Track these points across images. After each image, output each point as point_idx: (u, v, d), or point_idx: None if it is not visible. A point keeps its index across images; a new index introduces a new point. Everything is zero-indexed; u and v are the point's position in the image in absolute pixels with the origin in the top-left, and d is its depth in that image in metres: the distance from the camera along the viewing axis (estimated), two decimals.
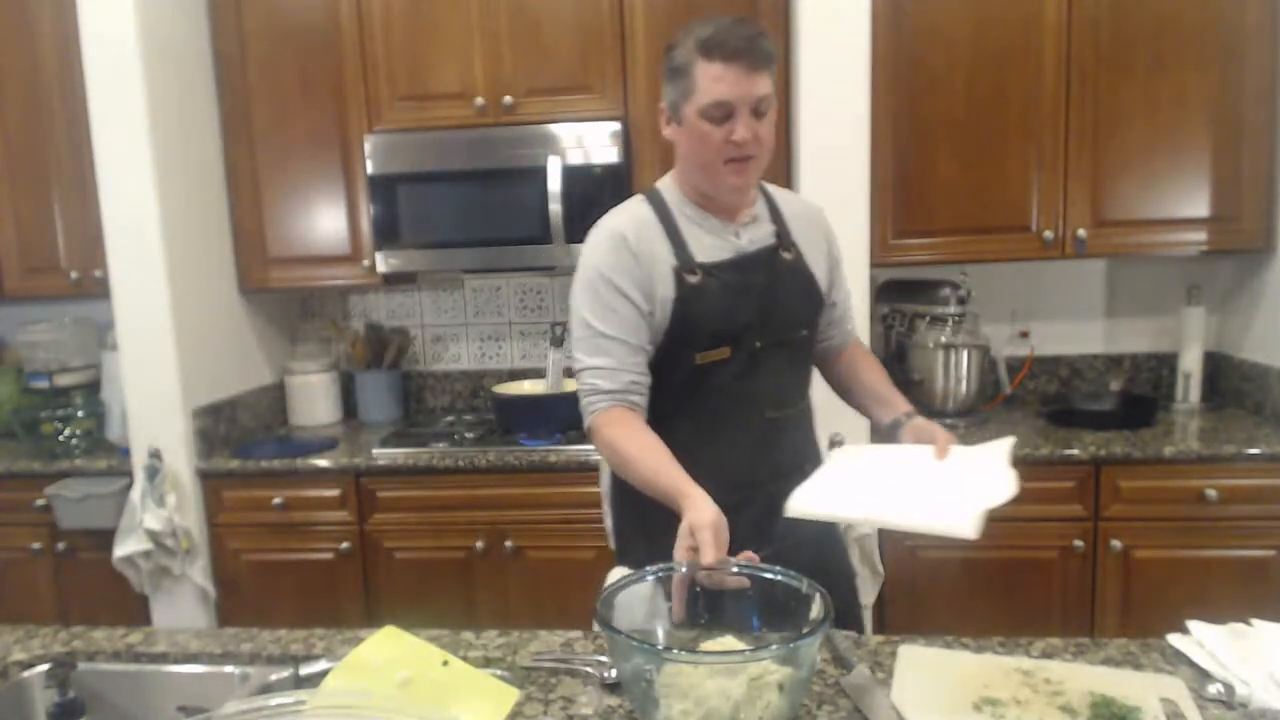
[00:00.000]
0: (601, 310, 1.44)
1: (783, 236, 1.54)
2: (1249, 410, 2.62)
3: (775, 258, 1.51)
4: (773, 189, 1.61)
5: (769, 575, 1.14)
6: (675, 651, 1.04)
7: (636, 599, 1.16)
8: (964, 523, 1.16)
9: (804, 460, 1.51)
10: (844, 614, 1.52)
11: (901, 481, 1.33)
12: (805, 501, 1.29)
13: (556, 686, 1.21)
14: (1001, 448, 1.37)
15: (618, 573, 1.48)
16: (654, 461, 1.35)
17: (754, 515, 1.44)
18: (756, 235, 1.52)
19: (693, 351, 1.46)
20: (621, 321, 1.43)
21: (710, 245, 1.48)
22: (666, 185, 1.55)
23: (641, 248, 1.45)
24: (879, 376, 1.64)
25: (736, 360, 1.47)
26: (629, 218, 1.49)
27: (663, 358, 1.47)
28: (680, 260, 1.45)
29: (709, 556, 1.16)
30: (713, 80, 1.37)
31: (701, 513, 1.21)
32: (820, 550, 1.56)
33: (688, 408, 1.49)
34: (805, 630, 1.01)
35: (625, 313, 1.43)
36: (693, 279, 1.45)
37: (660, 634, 1.16)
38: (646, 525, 1.51)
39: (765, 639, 1.13)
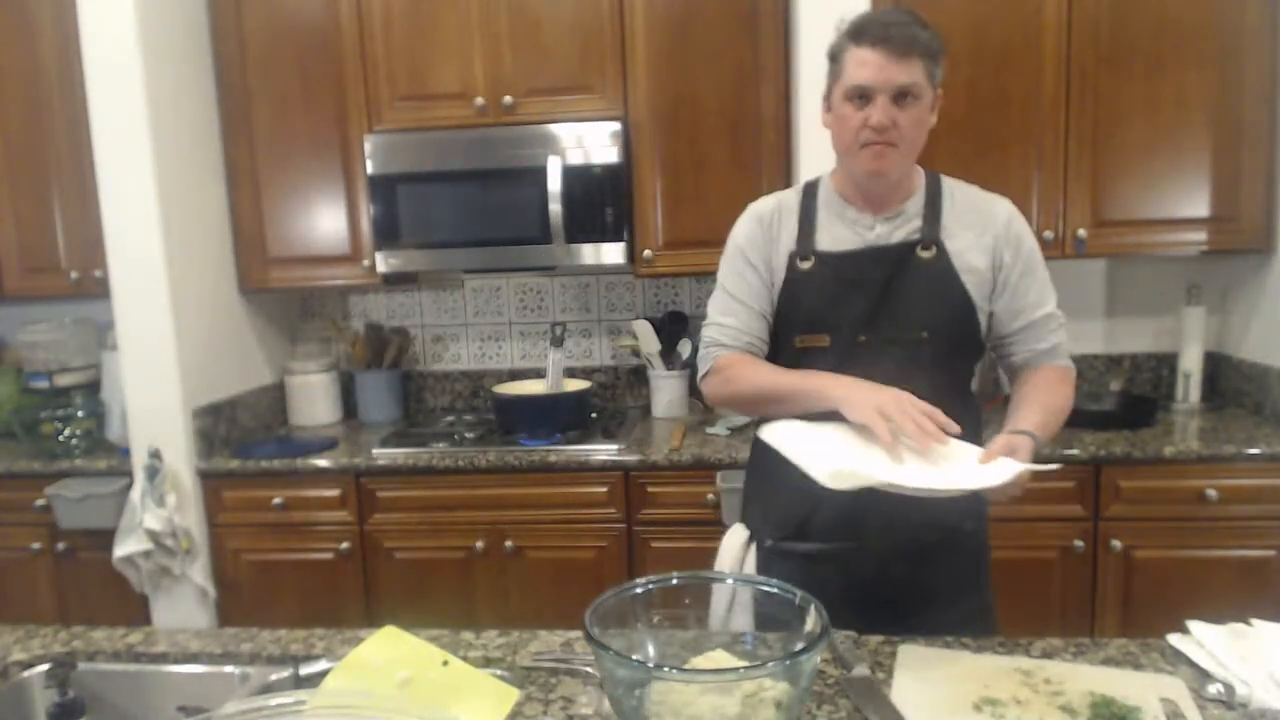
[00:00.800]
0: (733, 276, 1.56)
1: (927, 234, 1.48)
2: (1249, 410, 2.62)
3: (909, 254, 1.47)
4: (954, 185, 1.55)
5: (764, 588, 1.13)
6: (666, 669, 1.01)
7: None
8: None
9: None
10: (975, 619, 1.51)
11: (876, 451, 1.31)
12: (775, 432, 1.38)
13: (556, 686, 1.21)
14: (1014, 466, 1.26)
15: (735, 530, 1.63)
16: (769, 372, 1.48)
17: (837, 509, 1.45)
18: (896, 230, 1.50)
19: (794, 334, 1.51)
20: (749, 288, 1.54)
21: (841, 235, 1.51)
22: (825, 177, 1.59)
23: (773, 229, 1.54)
24: (1032, 397, 1.48)
25: (835, 351, 1.47)
26: (773, 200, 1.59)
27: (776, 341, 1.56)
28: (799, 246, 1.51)
29: (911, 428, 1.24)
30: (857, 64, 1.40)
31: (867, 395, 1.31)
32: (949, 551, 1.52)
33: None
34: (802, 645, 0.98)
35: (752, 280, 1.54)
36: (804, 265, 1.50)
37: (651, 650, 1.11)
38: (765, 491, 1.60)
39: (759, 652, 1.10)
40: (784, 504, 1.53)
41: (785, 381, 1.45)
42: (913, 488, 1.20)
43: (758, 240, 1.55)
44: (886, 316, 1.46)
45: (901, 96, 1.40)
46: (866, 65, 1.39)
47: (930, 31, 1.41)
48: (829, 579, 1.43)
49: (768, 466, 1.54)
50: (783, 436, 1.37)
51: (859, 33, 1.41)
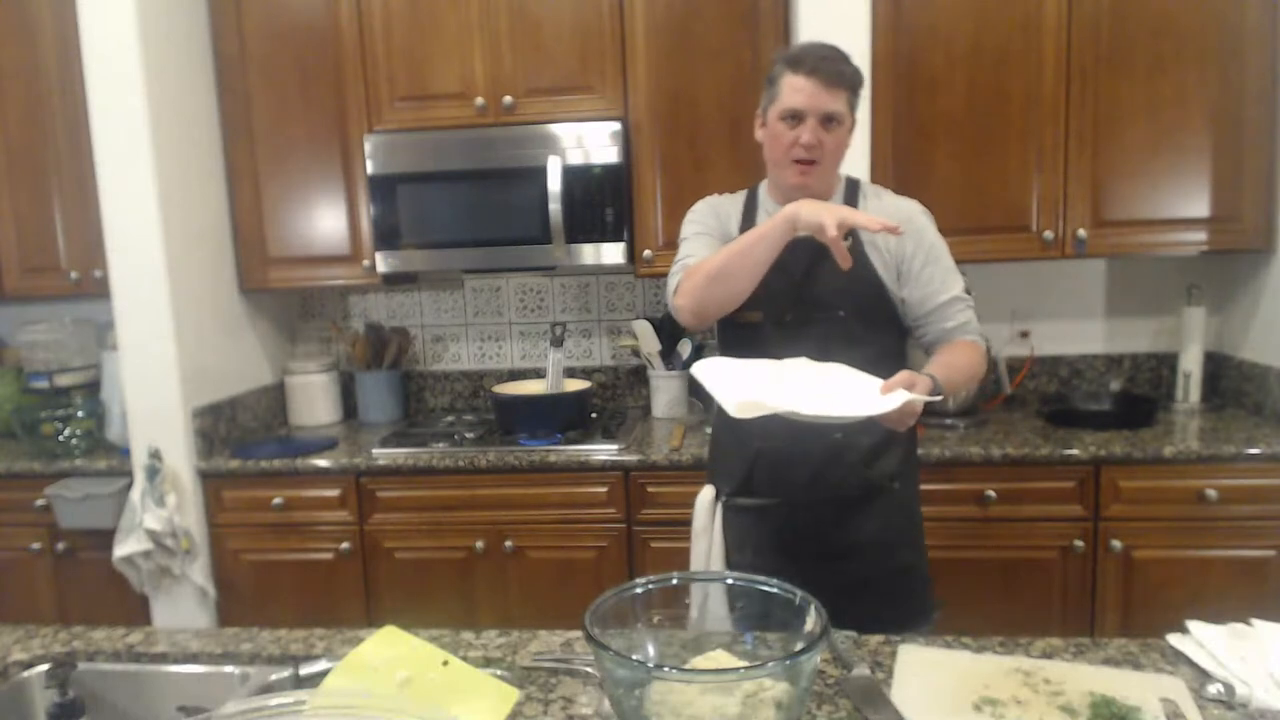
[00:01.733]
0: (693, 231, 1.77)
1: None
2: (1249, 410, 2.62)
3: (826, 245, 1.63)
4: (871, 189, 1.75)
5: (764, 588, 1.13)
6: (667, 669, 1.01)
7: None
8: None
9: (835, 430, 1.63)
10: (914, 616, 1.69)
11: (790, 381, 1.49)
12: (705, 366, 1.53)
13: (556, 686, 1.21)
14: (902, 396, 1.40)
15: (705, 490, 1.82)
16: (728, 246, 1.63)
17: (771, 465, 1.69)
18: None
19: (737, 309, 1.66)
20: (708, 233, 1.76)
21: None
22: (763, 184, 1.80)
23: (720, 214, 1.78)
24: (938, 357, 1.65)
25: (768, 326, 1.68)
26: (725, 196, 1.83)
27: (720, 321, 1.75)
28: (739, 235, 1.70)
29: (831, 218, 1.43)
30: (792, 90, 1.61)
31: (788, 211, 1.51)
32: (875, 505, 1.68)
33: None
34: (802, 645, 0.98)
35: (711, 224, 1.77)
36: None
37: (651, 650, 1.11)
38: (718, 450, 1.84)
39: (759, 652, 1.10)
40: (732, 462, 1.75)
41: (731, 244, 1.61)
42: (809, 414, 1.35)
43: (706, 213, 1.79)
44: (808, 297, 1.66)
45: (828, 121, 1.61)
46: (800, 91, 1.60)
47: (854, 67, 1.64)
48: (773, 531, 1.70)
49: (720, 427, 1.82)
50: (710, 370, 1.52)
51: (796, 62, 1.61)
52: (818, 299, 1.65)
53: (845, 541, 1.68)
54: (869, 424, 1.43)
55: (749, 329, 1.71)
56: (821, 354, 1.60)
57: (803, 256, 1.63)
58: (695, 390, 2.97)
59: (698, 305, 1.65)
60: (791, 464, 1.67)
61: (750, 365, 1.57)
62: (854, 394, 1.45)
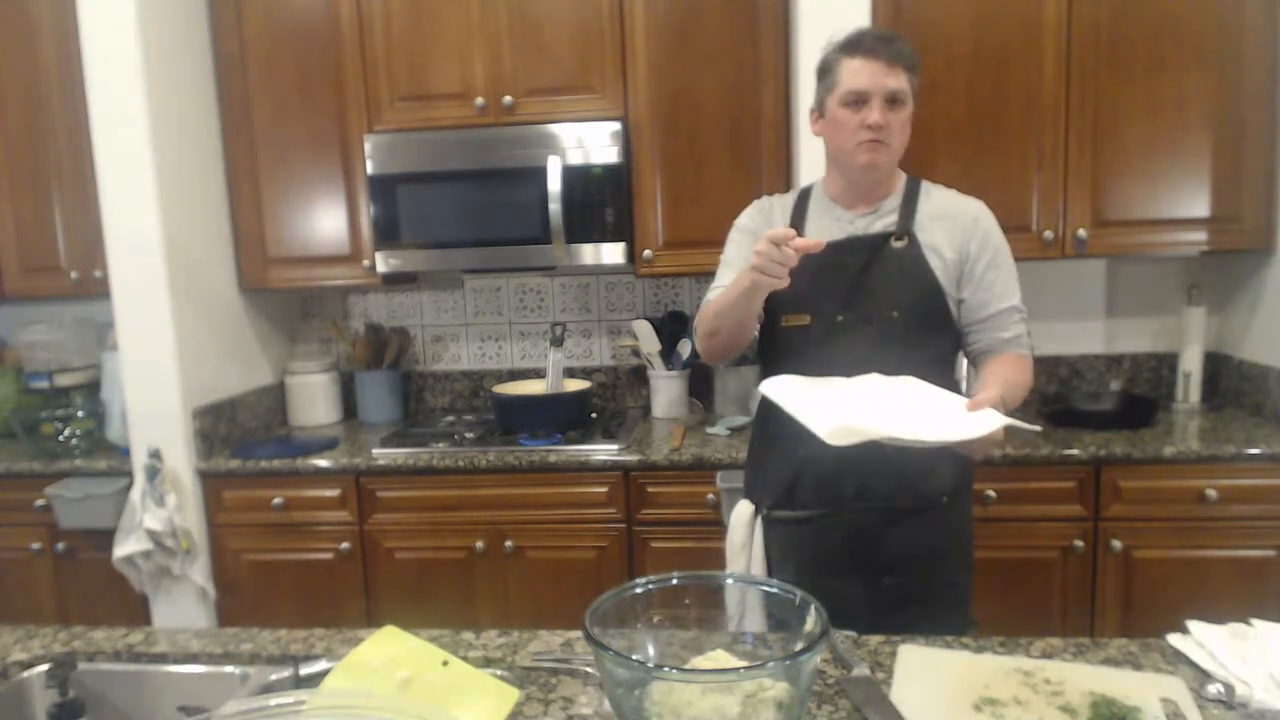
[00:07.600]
0: (732, 250, 1.75)
1: (901, 226, 1.63)
2: (1249, 410, 2.62)
3: (884, 244, 1.63)
4: (932, 187, 1.70)
5: (765, 588, 1.13)
6: (666, 669, 1.01)
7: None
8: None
9: (925, 453, 1.52)
10: (949, 632, 1.60)
11: (872, 400, 1.41)
12: (776, 386, 1.46)
13: (556, 686, 1.21)
14: (998, 419, 1.32)
15: (742, 504, 1.77)
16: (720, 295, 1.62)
17: (817, 476, 1.62)
18: (874, 224, 1.66)
19: (780, 315, 1.66)
20: (742, 257, 1.68)
21: (825, 228, 1.67)
22: (817, 183, 1.77)
23: (769, 217, 1.74)
24: (998, 371, 1.59)
25: (817, 328, 1.63)
26: (774, 197, 1.80)
27: (764, 321, 1.69)
28: None
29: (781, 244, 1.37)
30: (851, 73, 1.57)
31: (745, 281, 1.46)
32: (922, 519, 1.62)
33: (775, 368, 1.68)
34: (802, 645, 0.98)
35: (747, 249, 1.66)
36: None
37: (651, 650, 1.11)
38: (759, 462, 1.77)
39: (759, 652, 1.10)
40: (773, 474, 1.70)
41: (729, 295, 1.57)
42: (908, 439, 1.26)
43: (756, 224, 1.75)
44: (862, 298, 1.61)
45: (892, 100, 1.57)
46: (861, 73, 1.56)
47: (911, 48, 1.59)
48: (816, 543, 1.64)
49: (761, 439, 1.76)
50: (783, 390, 1.45)
51: (853, 45, 1.58)
52: (873, 300, 1.61)
53: (890, 555, 1.62)
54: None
55: (796, 333, 1.65)
56: (874, 356, 1.56)
57: (858, 258, 1.61)
58: (696, 391, 2.98)
59: (705, 354, 1.71)
60: (839, 474, 1.61)
61: (822, 384, 1.49)
62: (940, 413, 1.36)
